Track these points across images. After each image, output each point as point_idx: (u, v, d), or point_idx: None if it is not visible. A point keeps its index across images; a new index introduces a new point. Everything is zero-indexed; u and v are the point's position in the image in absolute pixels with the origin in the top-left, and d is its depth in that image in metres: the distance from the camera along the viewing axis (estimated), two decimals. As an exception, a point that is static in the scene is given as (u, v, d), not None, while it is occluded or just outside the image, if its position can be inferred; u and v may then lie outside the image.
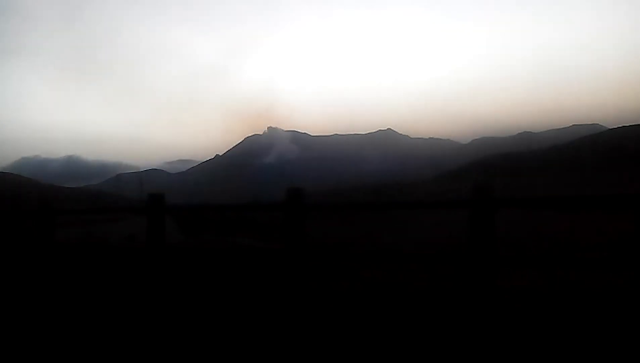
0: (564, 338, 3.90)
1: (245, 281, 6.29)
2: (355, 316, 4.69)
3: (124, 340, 4.50)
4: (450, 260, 5.32)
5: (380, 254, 6.05)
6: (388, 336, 4.20)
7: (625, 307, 4.41)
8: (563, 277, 5.49)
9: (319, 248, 5.86)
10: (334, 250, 6.29)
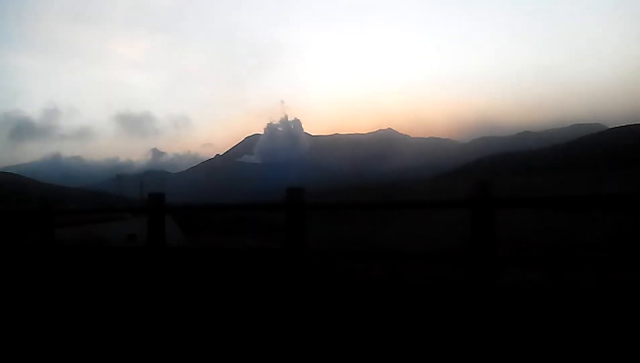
0: (564, 336, 3.90)
1: (245, 282, 6.28)
2: (356, 316, 4.69)
3: (126, 340, 4.50)
4: (450, 259, 5.31)
5: (381, 253, 6.04)
6: (388, 335, 4.20)
7: (627, 307, 4.41)
8: (563, 276, 5.49)
9: (319, 248, 5.86)
10: (334, 249, 6.29)
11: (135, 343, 4.40)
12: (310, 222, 5.53)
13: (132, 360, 4.13)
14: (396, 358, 3.83)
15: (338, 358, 3.89)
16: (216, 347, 4.23)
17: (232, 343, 4.28)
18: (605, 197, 5.03)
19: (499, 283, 4.67)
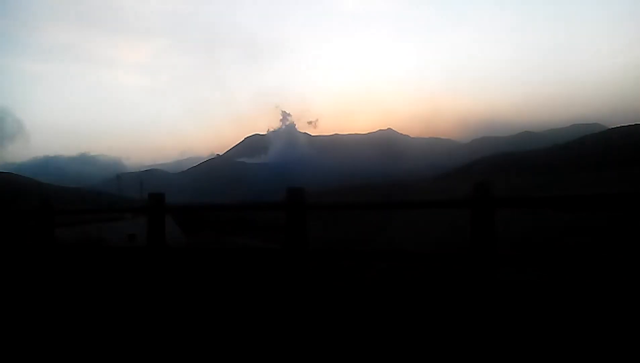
0: (564, 335, 3.91)
1: (246, 282, 6.29)
2: (357, 316, 4.69)
3: (126, 340, 4.50)
4: (450, 259, 5.32)
5: (381, 253, 6.05)
6: (389, 334, 4.20)
7: (626, 306, 4.41)
8: (562, 276, 5.50)
9: (319, 247, 5.86)
10: (334, 249, 6.30)
11: (135, 342, 4.40)
12: (311, 222, 5.53)
13: (133, 359, 4.13)
14: (397, 357, 3.83)
15: (339, 357, 3.90)
16: (217, 347, 4.23)
17: (233, 342, 4.28)
18: (606, 197, 5.02)
19: (499, 283, 4.67)
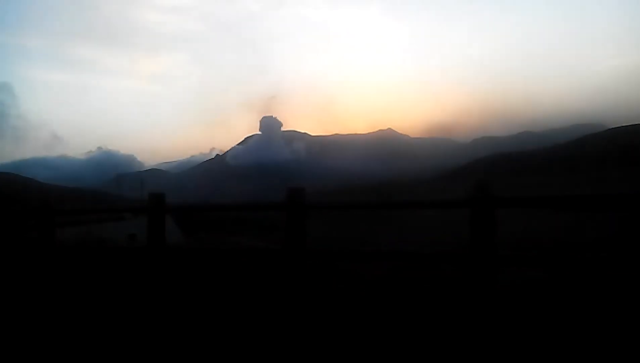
0: (563, 335, 3.91)
1: (245, 282, 6.29)
2: (356, 316, 4.69)
3: (126, 340, 4.50)
4: (450, 259, 5.31)
5: (381, 253, 6.04)
6: (389, 334, 4.20)
7: (626, 306, 4.41)
8: (563, 276, 5.49)
9: (319, 247, 5.86)
10: (334, 249, 6.29)
11: (135, 342, 4.40)
12: (310, 222, 5.53)
13: (132, 359, 4.13)
14: (397, 358, 3.83)
15: (338, 357, 3.90)
16: (216, 347, 4.23)
17: (232, 342, 4.28)
18: (606, 197, 5.03)
19: (499, 283, 4.67)
